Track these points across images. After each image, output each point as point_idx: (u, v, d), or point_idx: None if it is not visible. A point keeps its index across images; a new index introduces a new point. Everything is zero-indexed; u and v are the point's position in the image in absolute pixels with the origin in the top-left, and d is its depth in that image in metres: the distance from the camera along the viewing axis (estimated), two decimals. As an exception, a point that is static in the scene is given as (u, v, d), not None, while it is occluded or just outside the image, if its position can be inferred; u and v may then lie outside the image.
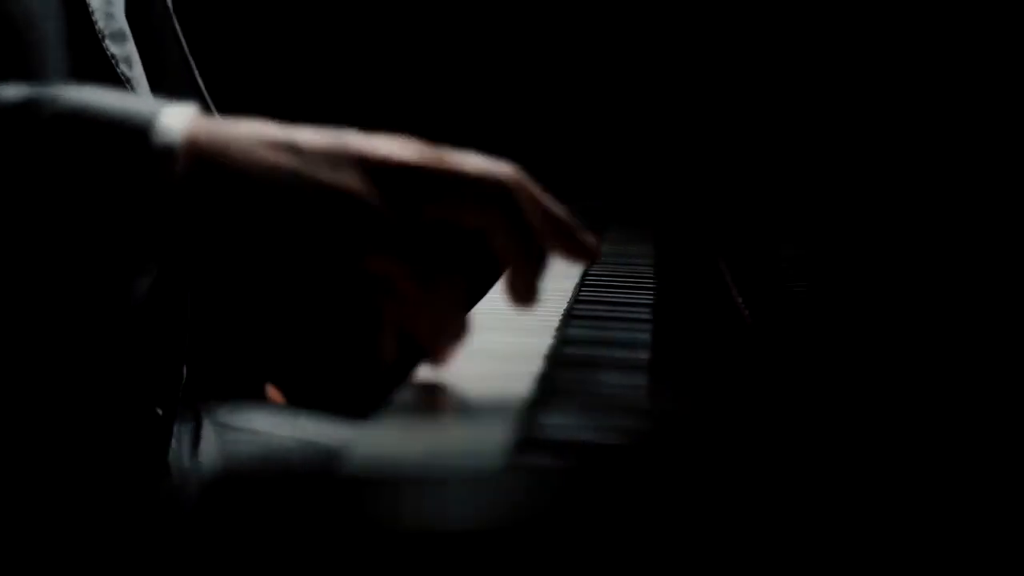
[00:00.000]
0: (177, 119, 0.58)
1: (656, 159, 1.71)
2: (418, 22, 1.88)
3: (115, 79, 0.74)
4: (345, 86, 1.85)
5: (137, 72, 0.77)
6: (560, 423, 0.53)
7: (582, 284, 0.95)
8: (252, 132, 0.60)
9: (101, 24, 0.74)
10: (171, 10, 0.85)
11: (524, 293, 0.60)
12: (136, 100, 0.62)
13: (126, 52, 0.76)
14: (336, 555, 0.35)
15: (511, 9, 1.86)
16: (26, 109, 0.58)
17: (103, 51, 0.74)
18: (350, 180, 0.59)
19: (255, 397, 1.03)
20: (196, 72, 0.85)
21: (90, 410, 0.73)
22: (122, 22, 0.77)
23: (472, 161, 0.59)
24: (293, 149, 0.59)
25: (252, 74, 1.68)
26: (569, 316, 0.80)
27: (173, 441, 0.80)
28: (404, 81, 1.88)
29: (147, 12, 0.83)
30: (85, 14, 0.73)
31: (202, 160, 0.57)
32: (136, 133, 0.57)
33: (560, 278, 0.93)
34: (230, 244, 0.59)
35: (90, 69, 0.73)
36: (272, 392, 1.07)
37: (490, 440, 0.48)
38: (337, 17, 1.85)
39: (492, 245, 0.59)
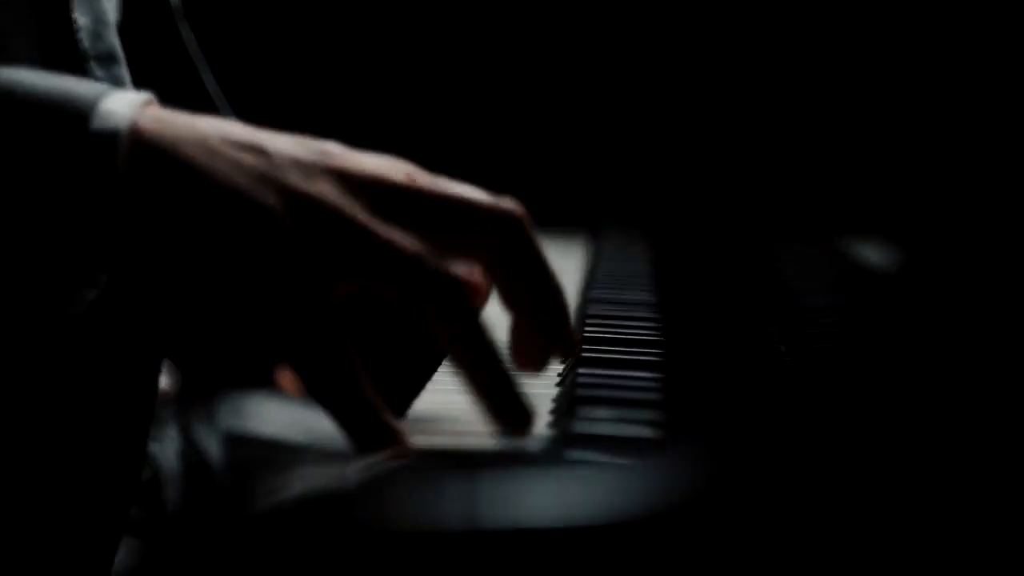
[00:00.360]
0: (122, 104, 0.53)
1: (651, 167, 1.70)
2: (416, 24, 1.87)
3: None
4: (339, 95, 1.84)
5: None
6: (593, 419, 0.51)
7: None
8: (213, 127, 0.53)
9: (87, 44, 0.67)
10: (181, 27, 0.80)
11: (535, 354, 0.53)
12: (79, 83, 0.56)
13: (115, 76, 0.69)
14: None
15: (510, 11, 1.85)
16: None
17: (86, 75, 0.66)
18: (326, 190, 0.52)
19: (261, 386, 0.96)
20: (216, 93, 0.79)
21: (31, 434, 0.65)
22: (112, 41, 0.70)
23: (469, 190, 0.53)
24: (259, 150, 0.53)
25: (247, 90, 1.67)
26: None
27: (159, 456, 0.79)
28: (402, 80, 1.87)
29: (149, 29, 0.77)
30: (68, 32, 0.66)
31: (150, 151, 0.51)
32: (73, 116, 0.52)
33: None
34: (180, 248, 0.52)
35: None
36: (285, 380, 0.97)
37: (535, 437, 0.47)
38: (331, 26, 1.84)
39: (498, 287, 0.53)
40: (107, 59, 0.68)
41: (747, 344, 0.76)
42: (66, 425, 0.65)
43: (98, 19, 0.68)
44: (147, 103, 0.54)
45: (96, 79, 0.64)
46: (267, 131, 0.55)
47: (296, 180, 0.52)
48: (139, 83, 0.69)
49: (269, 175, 0.53)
